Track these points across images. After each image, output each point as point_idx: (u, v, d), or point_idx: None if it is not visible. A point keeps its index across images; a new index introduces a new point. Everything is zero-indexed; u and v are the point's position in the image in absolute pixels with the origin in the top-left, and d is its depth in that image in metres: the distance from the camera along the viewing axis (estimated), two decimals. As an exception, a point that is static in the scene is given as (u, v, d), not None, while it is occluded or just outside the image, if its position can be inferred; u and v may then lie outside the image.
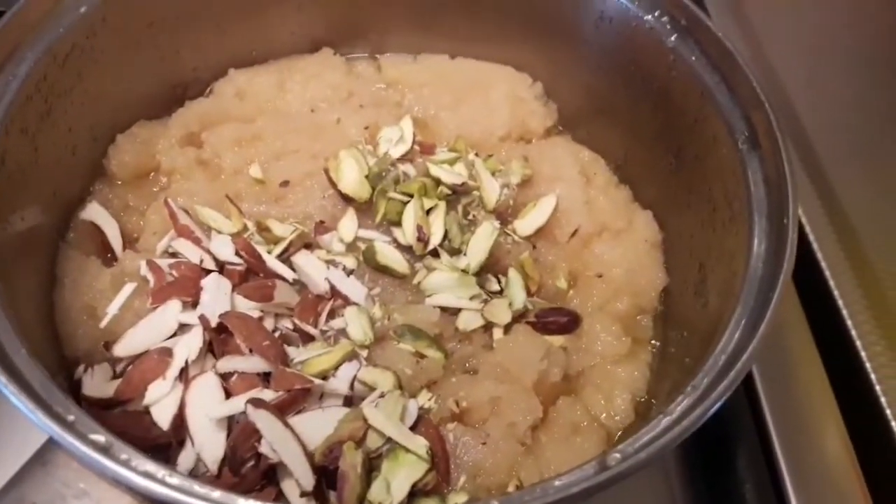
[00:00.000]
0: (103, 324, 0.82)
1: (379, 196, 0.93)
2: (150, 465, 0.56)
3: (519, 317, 0.90)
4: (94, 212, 0.91)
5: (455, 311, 0.89)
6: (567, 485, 0.57)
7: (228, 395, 0.78)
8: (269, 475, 0.75)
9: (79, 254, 0.88)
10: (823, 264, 1.13)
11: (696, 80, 0.89)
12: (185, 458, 0.75)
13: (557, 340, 0.91)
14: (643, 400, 0.89)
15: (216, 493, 0.54)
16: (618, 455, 0.60)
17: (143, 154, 0.96)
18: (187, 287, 0.84)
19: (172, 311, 0.82)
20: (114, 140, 0.96)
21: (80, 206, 0.92)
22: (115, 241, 0.90)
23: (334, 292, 0.87)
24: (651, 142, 1.00)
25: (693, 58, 0.90)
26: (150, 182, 0.98)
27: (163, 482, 0.55)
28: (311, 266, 0.89)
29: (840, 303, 1.08)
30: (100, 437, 0.58)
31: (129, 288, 0.85)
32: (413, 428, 0.79)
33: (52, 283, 0.86)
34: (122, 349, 0.80)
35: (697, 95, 0.89)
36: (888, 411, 1.00)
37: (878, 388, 1.02)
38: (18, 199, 0.81)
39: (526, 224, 0.97)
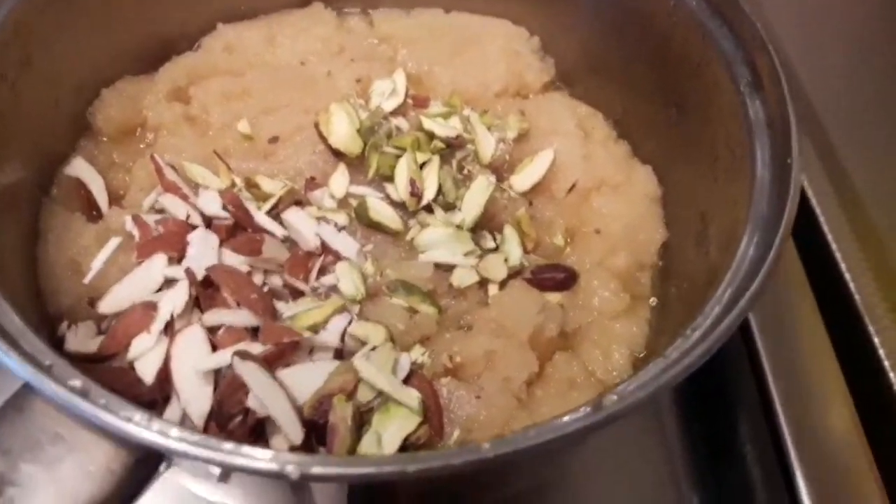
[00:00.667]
0: (88, 279, 0.80)
1: (371, 150, 0.90)
2: (129, 409, 0.54)
3: (515, 274, 0.88)
4: (78, 167, 0.88)
5: (449, 268, 0.87)
6: (562, 425, 0.55)
7: (215, 349, 0.76)
8: (258, 431, 0.72)
9: (63, 209, 0.86)
10: (825, 227, 1.11)
11: (698, 25, 0.86)
12: (171, 414, 0.73)
13: (554, 297, 0.89)
14: (642, 356, 0.87)
15: (195, 437, 0.52)
16: (614, 396, 0.58)
17: (129, 109, 0.94)
18: (173, 242, 0.82)
19: (158, 266, 0.80)
20: (99, 94, 0.93)
21: (64, 161, 0.89)
22: (101, 197, 0.88)
23: (325, 248, 0.85)
24: (650, 94, 0.97)
25: (694, 2, 0.87)
26: (137, 138, 0.96)
27: (141, 425, 0.53)
28: (301, 222, 0.86)
29: (843, 266, 1.07)
30: (77, 382, 0.56)
31: (113, 243, 0.82)
32: (406, 382, 0.76)
33: (35, 238, 0.84)
34: (106, 305, 0.78)
35: (699, 41, 0.86)
36: (891, 374, 0.99)
37: (878, 343, 1.00)
38: (-1, 150, 0.79)
39: (522, 179, 0.95)
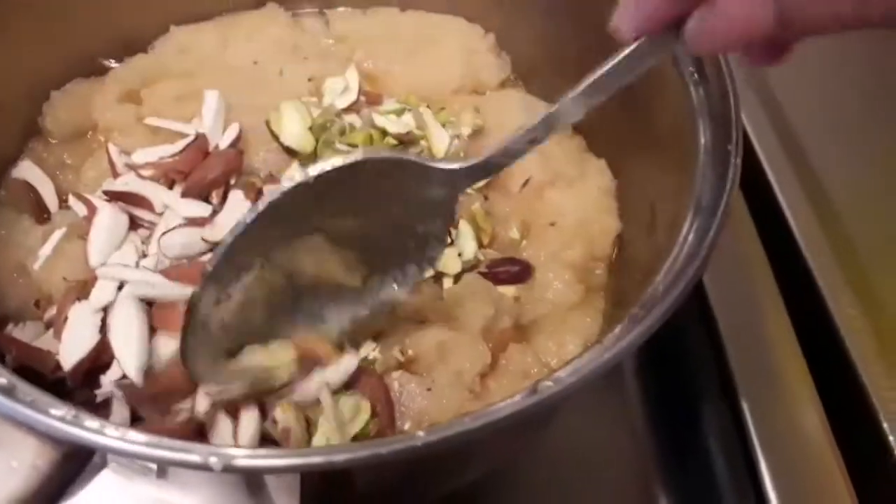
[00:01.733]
0: (37, 265, 0.80)
1: (323, 147, 0.90)
2: (57, 406, 0.54)
3: (470, 268, 0.88)
4: (26, 169, 0.88)
5: (403, 263, 0.86)
6: (495, 410, 0.55)
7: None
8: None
9: (10, 211, 0.85)
10: (789, 215, 1.11)
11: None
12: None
13: (510, 290, 0.88)
14: (596, 346, 0.86)
15: (115, 431, 0.52)
16: (549, 382, 0.57)
17: (79, 112, 0.93)
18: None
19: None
20: (48, 97, 0.93)
21: (12, 164, 0.89)
22: (50, 198, 0.87)
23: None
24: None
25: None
26: (88, 140, 0.95)
27: (63, 420, 0.52)
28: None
29: (810, 262, 1.07)
30: (2, 380, 0.55)
31: (59, 233, 0.82)
32: (354, 379, 0.76)
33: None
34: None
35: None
36: (857, 364, 0.98)
37: (843, 334, 1.00)
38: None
39: (475, 176, 0.94)
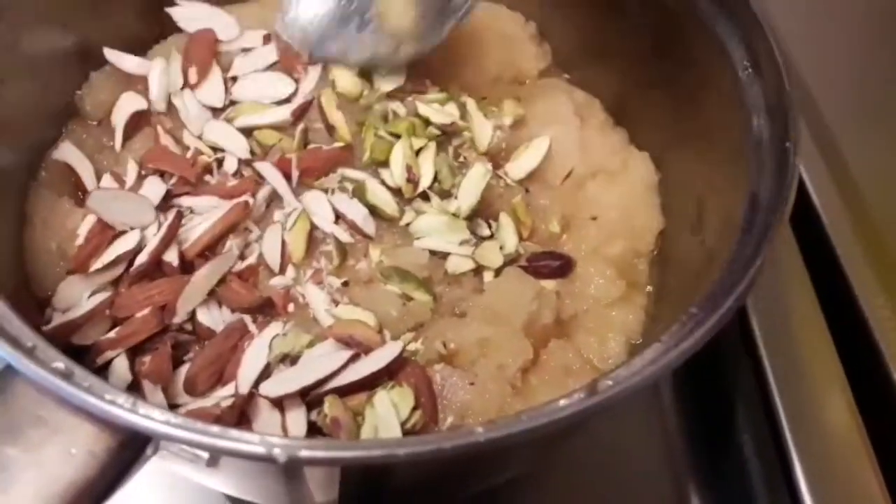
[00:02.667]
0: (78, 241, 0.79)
1: (367, 132, 0.89)
2: (113, 392, 0.53)
3: (511, 261, 0.87)
4: (66, 152, 0.87)
5: (444, 255, 0.85)
6: (555, 409, 0.54)
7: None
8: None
9: (51, 194, 0.84)
10: (823, 216, 1.10)
11: (693, 9, 0.85)
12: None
13: (550, 284, 0.88)
14: (638, 343, 0.86)
15: (179, 419, 0.51)
16: (609, 381, 0.57)
17: (119, 92, 0.91)
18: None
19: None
20: (87, 77, 0.92)
21: (52, 145, 0.88)
22: (89, 180, 0.86)
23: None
24: (647, 81, 0.96)
25: (691, -14, 0.86)
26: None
27: (125, 408, 0.52)
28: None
29: (841, 257, 1.06)
30: (60, 364, 0.55)
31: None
32: (398, 369, 0.75)
33: (22, 223, 0.83)
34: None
35: (697, 25, 0.85)
36: (890, 365, 0.98)
37: (875, 333, 0.99)
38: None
39: (518, 167, 0.93)
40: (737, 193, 0.75)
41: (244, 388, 0.71)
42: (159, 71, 0.90)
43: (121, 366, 0.72)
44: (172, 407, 0.72)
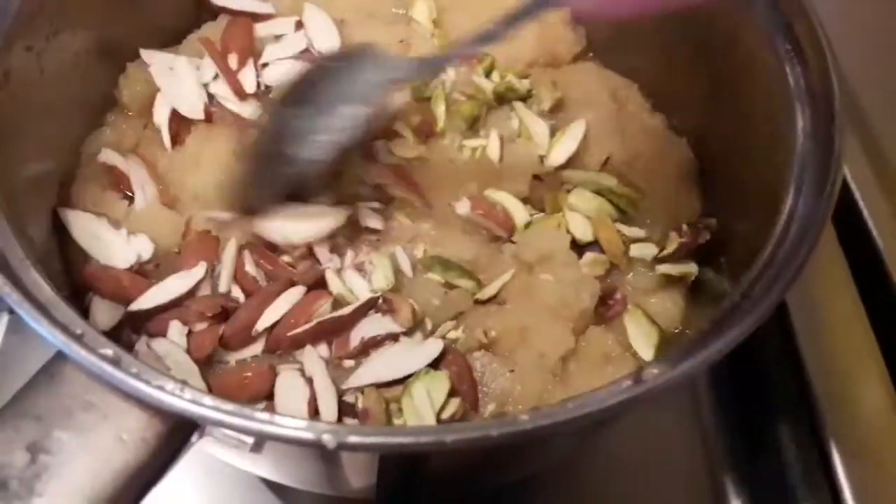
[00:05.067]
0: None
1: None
2: (161, 378, 0.54)
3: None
4: (109, 155, 0.86)
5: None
6: (601, 397, 0.54)
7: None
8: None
9: (94, 185, 0.85)
10: (864, 209, 1.09)
11: (733, -7, 0.84)
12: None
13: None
14: (677, 331, 0.85)
15: (228, 406, 0.51)
16: (655, 370, 0.56)
17: (154, 84, 0.91)
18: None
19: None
20: (124, 69, 0.92)
21: (93, 138, 0.89)
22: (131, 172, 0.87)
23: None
24: (685, 66, 0.94)
25: (731, -32, 0.84)
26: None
27: (173, 394, 0.52)
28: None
29: (883, 252, 1.05)
30: (108, 351, 0.55)
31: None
32: (439, 358, 0.75)
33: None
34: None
35: (736, 8, 0.84)
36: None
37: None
38: (28, 125, 0.78)
39: (556, 152, 0.92)
40: (778, 183, 0.73)
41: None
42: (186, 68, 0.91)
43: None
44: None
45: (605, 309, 0.84)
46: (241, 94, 0.89)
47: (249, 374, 0.73)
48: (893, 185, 1.11)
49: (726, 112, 0.89)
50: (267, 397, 0.72)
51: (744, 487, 0.97)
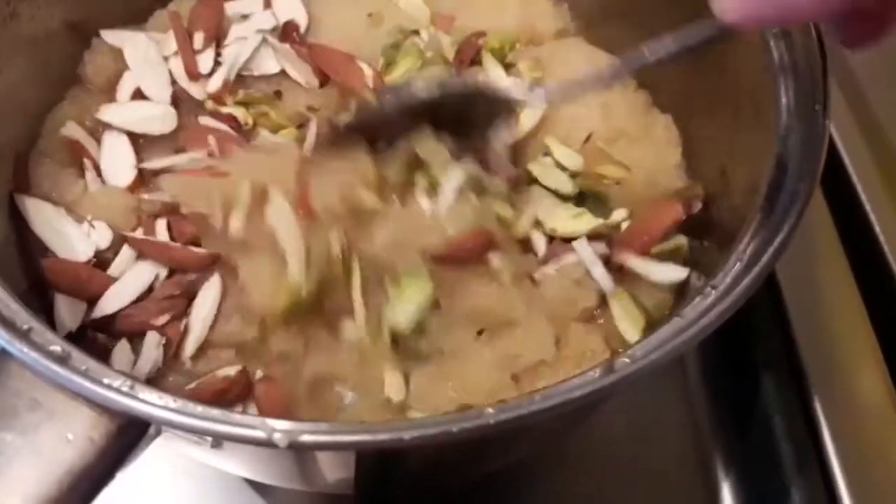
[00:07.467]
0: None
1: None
2: (111, 376, 0.52)
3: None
4: (72, 129, 0.84)
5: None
6: (568, 389, 0.52)
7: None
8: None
9: (51, 162, 0.83)
10: (856, 181, 1.06)
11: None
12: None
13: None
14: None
15: (177, 403, 0.49)
16: (626, 359, 0.54)
17: (120, 60, 0.89)
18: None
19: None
20: (89, 45, 0.89)
21: (55, 110, 0.86)
22: (94, 150, 0.84)
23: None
24: (669, 41, 0.92)
25: (711, -62, 0.81)
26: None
27: (119, 391, 0.50)
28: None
29: (875, 225, 1.02)
30: (57, 348, 0.53)
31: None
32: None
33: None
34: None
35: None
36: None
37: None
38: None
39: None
40: (764, 158, 0.71)
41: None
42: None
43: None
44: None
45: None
46: (193, 75, 0.86)
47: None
48: (885, 152, 1.08)
49: (710, 89, 0.86)
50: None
51: (734, 470, 0.96)
